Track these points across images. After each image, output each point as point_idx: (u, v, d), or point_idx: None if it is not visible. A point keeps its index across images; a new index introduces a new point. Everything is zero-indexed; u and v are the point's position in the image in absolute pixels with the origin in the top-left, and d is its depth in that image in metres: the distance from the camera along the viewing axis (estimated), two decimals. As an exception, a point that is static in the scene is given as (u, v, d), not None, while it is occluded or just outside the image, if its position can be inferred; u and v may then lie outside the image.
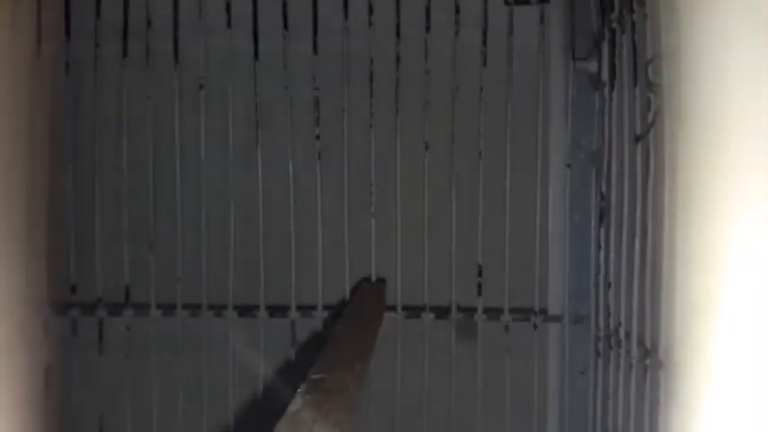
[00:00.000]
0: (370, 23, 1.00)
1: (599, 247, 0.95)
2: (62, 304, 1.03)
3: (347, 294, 1.03)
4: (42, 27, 0.76)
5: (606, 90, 0.92)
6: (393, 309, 1.03)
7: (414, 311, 1.04)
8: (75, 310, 1.05)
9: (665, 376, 0.70)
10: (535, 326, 1.02)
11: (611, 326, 0.88)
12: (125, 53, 1.02)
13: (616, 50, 0.87)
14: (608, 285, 0.90)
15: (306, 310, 1.04)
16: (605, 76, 0.92)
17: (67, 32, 1.02)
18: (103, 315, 1.05)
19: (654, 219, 0.75)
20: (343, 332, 0.81)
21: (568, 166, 1.01)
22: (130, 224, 1.03)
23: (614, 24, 0.87)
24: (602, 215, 0.95)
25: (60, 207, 0.99)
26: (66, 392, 1.00)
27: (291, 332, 1.04)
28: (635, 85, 0.79)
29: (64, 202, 1.01)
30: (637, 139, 0.78)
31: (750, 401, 0.35)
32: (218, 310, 1.04)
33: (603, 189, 0.94)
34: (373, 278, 1.04)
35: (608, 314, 0.89)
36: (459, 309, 1.03)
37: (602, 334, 0.93)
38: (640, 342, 0.77)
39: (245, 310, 1.04)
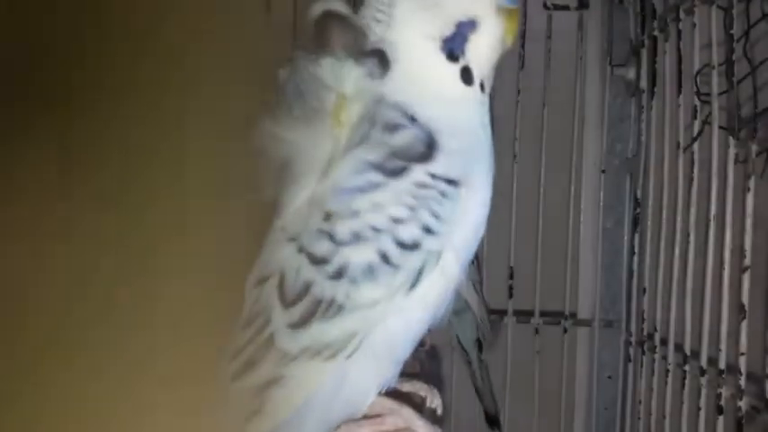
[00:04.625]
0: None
1: (633, 252, 0.95)
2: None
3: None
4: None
5: (644, 97, 0.92)
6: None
7: (444, 312, 1.04)
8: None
9: (707, 382, 0.71)
10: (565, 329, 1.03)
11: (645, 331, 0.88)
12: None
13: (657, 58, 0.88)
14: (643, 291, 0.90)
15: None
16: (644, 83, 0.92)
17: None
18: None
19: (697, 227, 0.75)
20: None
21: (603, 171, 1.02)
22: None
23: (656, 32, 0.87)
24: (637, 221, 0.96)
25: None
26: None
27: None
28: (679, 93, 0.79)
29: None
30: (682, 147, 0.78)
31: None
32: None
33: (639, 195, 0.94)
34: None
35: (642, 320, 0.90)
36: (490, 311, 1.03)
37: (633, 339, 0.93)
38: (678, 348, 0.77)
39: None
